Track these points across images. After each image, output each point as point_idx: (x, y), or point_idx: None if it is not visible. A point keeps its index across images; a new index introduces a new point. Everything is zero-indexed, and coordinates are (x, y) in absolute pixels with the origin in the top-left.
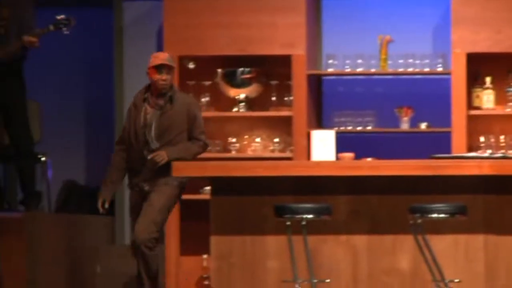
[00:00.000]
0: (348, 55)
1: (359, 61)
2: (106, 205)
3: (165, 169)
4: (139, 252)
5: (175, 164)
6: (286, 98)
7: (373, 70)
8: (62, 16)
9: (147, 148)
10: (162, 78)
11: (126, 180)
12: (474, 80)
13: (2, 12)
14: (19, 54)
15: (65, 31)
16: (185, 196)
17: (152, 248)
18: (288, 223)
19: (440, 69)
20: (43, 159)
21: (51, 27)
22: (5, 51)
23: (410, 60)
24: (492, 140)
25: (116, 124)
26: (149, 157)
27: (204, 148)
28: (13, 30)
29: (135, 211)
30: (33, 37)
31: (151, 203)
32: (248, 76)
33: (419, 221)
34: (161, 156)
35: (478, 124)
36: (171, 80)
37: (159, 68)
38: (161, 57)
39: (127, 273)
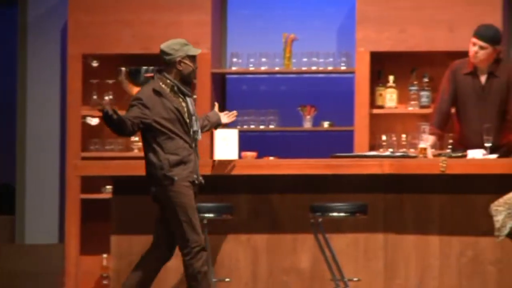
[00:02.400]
0: (252, 54)
1: (263, 59)
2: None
3: None
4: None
5: (74, 163)
6: None
7: (277, 68)
8: None
9: (194, 138)
10: (197, 66)
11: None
12: (377, 79)
13: None
14: None
15: None
16: (85, 196)
17: None
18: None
19: (343, 68)
20: None
21: None
22: None
23: (314, 59)
24: (394, 138)
25: (18, 120)
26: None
27: None
28: None
29: (194, 206)
30: None
31: None
32: (151, 74)
33: (320, 220)
34: None
35: (380, 122)
36: None
37: (195, 57)
38: (194, 46)
39: (26, 271)
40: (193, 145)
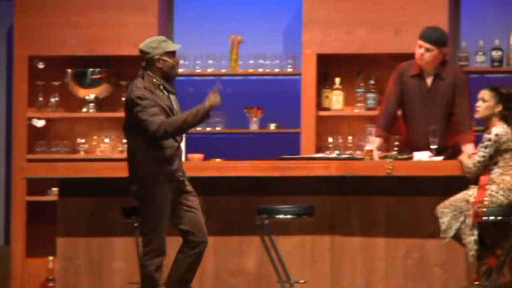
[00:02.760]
0: (199, 55)
1: (210, 61)
2: None
3: None
4: (200, 256)
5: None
6: None
7: (223, 70)
8: None
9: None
10: (177, 61)
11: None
12: (323, 81)
13: None
14: None
15: None
16: (31, 198)
17: None
18: (136, 224)
19: (290, 70)
20: None
21: None
22: None
23: (261, 61)
24: (340, 140)
25: None
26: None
27: None
28: None
29: (169, 210)
30: None
31: (195, 205)
32: (97, 76)
33: (266, 222)
34: None
35: (327, 124)
36: None
37: (174, 52)
38: (172, 42)
39: None
40: (179, 142)
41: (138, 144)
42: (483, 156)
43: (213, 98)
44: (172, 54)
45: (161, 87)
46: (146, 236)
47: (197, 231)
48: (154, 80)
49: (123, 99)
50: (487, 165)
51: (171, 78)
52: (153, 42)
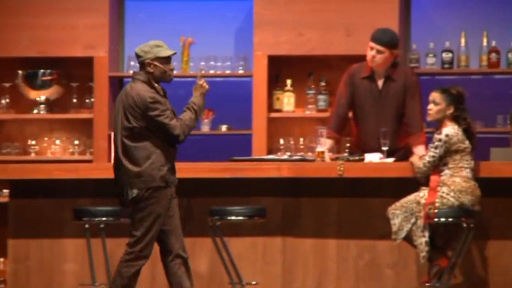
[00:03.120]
0: None
1: None
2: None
3: None
4: (187, 266)
5: None
6: (87, 100)
7: (174, 72)
8: None
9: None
10: (172, 68)
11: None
12: (275, 83)
13: None
14: None
15: None
16: None
17: None
18: (87, 226)
19: (241, 72)
20: None
21: None
22: None
23: (212, 62)
24: (292, 142)
25: None
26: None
27: None
28: None
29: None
30: None
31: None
32: (48, 78)
33: (218, 223)
34: None
35: (278, 126)
36: None
37: (169, 58)
38: (167, 48)
39: None
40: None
41: (149, 148)
42: (433, 156)
43: (199, 88)
44: (165, 60)
45: (161, 92)
46: (135, 237)
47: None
48: (156, 84)
49: (74, 101)
50: (437, 166)
51: (165, 83)
52: (146, 46)
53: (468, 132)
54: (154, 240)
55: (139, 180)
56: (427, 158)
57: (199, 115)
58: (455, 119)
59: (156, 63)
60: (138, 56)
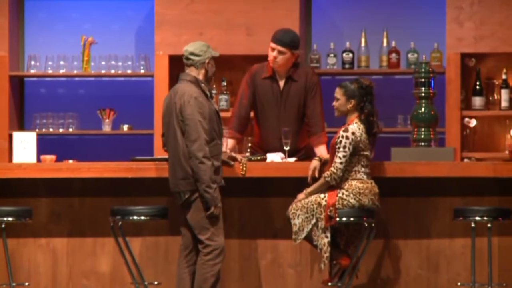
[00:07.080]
0: (50, 57)
1: (62, 62)
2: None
3: None
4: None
5: None
6: None
7: (75, 71)
8: None
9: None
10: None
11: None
12: (176, 82)
13: None
14: None
15: None
16: None
17: None
18: (3, 226)
19: (142, 71)
20: None
21: None
22: None
23: (113, 62)
24: None
25: None
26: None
27: None
28: None
29: None
30: None
31: None
32: None
33: (120, 223)
34: None
35: None
36: None
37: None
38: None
39: None
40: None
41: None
42: (344, 156)
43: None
44: (214, 60)
45: (207, 92)
46: (205, 234)
47: None
48: (202, 85)
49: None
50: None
51: (210, 83)
52: (203, 46)
53: (368, 123)
54: (221, 232)
55: (193, 182)
56: (337, 161)
57: (207, 192)
58: (361, 111)
59: (212, 62)
60: (196, 55)
